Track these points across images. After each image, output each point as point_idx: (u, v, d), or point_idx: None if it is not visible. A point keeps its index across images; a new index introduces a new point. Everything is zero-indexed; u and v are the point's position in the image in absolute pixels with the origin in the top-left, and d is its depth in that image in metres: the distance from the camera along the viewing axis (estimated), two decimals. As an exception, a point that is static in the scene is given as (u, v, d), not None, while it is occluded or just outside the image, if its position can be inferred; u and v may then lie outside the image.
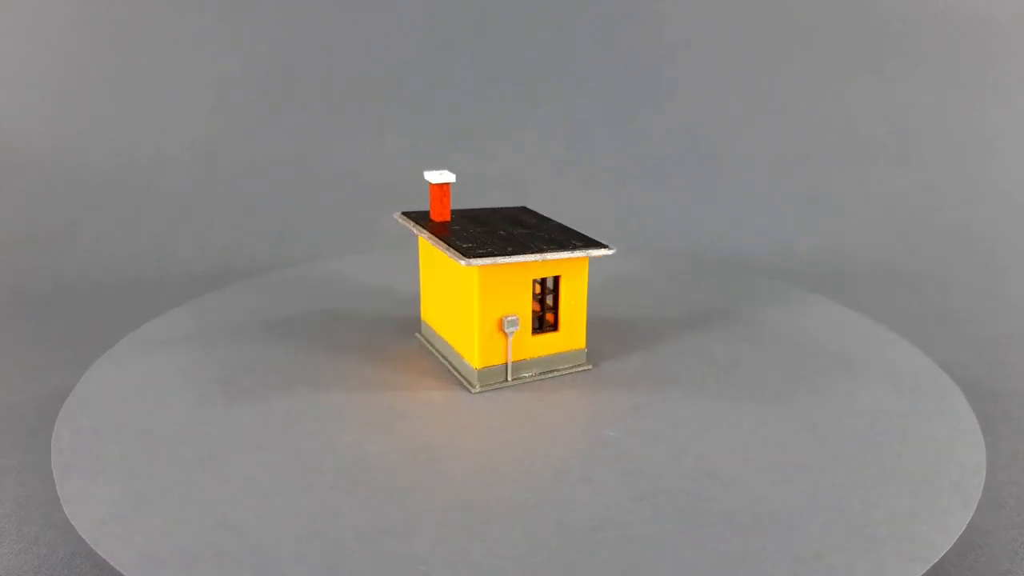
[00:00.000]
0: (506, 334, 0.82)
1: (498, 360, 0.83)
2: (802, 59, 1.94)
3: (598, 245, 0.85)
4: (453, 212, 0.93)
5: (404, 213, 0.93)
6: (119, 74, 1.91)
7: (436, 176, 0.88)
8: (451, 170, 0.90)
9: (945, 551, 0.61)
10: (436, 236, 0.85)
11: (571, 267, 0.84)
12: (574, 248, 0.83)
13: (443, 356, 0.90)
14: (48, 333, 1.41)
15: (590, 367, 0.88)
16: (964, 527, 0.64)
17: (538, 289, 0.86)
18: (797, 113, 1.94)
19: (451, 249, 0.80)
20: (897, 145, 1.92)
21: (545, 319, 0.86)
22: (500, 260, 0.79)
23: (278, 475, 0.69)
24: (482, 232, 0.86)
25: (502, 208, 0.98)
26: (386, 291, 1.10)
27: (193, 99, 1.92)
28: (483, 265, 0.79)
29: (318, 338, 0.96)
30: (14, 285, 1.59)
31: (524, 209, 0.98)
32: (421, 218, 0.92)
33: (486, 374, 0.83)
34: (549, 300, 0.86)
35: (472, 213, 0.95)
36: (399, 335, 0.97)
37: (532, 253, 0.80)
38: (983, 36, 1.92)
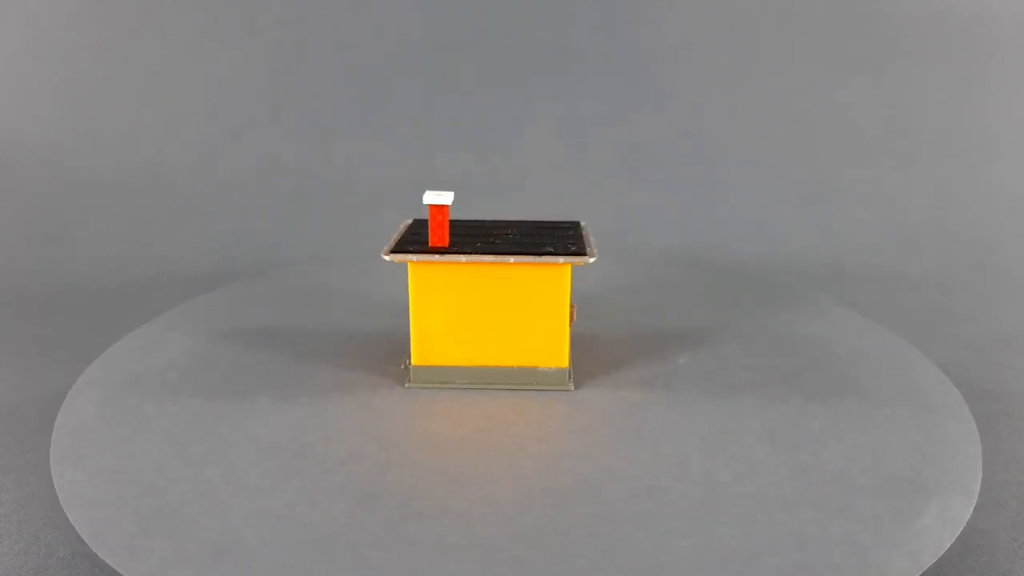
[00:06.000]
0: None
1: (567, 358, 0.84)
2: (802, 59, 1.94)
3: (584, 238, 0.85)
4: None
5: (393, 250, 0.81)
6: (119, 74, 1.91)
7: (435, 197, 0.80)
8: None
9: (945, 551, 0.61)
10: (481, 253, 0.80)
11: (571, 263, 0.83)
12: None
13: (488, 383, 0.85)
14: (48, 333, 1.41)
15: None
16: (964, 527, 0.64)
17: None
18: (797, 113, 1.94)
19: (532, 256, 0.80)
20: (898, 145, 1.92)
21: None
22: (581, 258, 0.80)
23: (279, 477, 0.69)
24: (523, 236, 0.86)
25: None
26: (389, 295, 1.10)
27: (193, 99, 1.92)
28: (571, 265, 0.80)
29: (319, 339, 0.96)
30: (14, 285, 1.59)
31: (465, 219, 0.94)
32: (416, 244, 0.84)
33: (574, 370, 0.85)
34: None
35: (459, 224, 0.90)
36: (401, 338, 0.97)
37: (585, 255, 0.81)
38: (984, 36, 1.92)
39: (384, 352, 0.92)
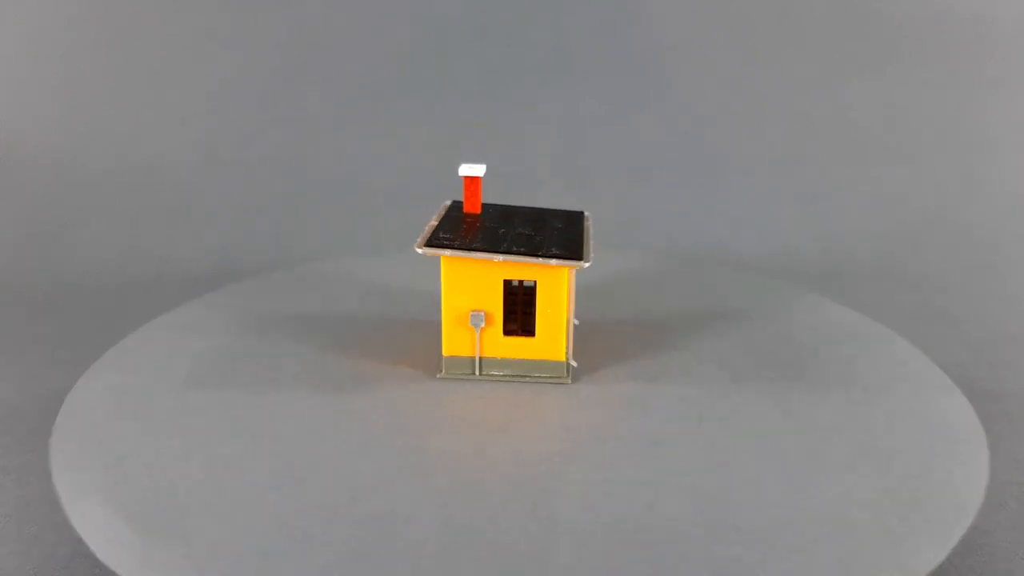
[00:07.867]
0: (473, 328, 0.84)
1: (466, 352, 0.85)
2: (802, 59, 1.94)
3: (573, 258, 0.82)
4: (501, 207, 0.95)
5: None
6: (118, 74, 1.91)
7: (468, 169, 0.90)
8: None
9: (946, 552, 0.61)
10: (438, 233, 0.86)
11: (548, 275, 0.83)
12: (546, 256, 0.82)
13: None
14: (48, 333, 1.41)
15: (568, 382, 0.85)
16: (966, 528, 0.64)
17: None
18: (797, 113, 1.94)
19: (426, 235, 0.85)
20: (897, 145, 1.92)
21: (515, 322, 0.85)
22: (457, 254, 0.82)
23: (278, 474, 0.69)
24: (483, 228, 0.87)
25: (553, 209, 0.97)
26: (385, 290, 1.10)
27: (193, 98, 1.92)
28: (441, 256, 0.82)
29: (317, 338, 0.96)
30: (14, 285, 1.59)
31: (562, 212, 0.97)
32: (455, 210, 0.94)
33: (452, 363, 0.86)
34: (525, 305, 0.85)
35: (515, 210, 0.95)
36: (397, 334, 0.97)
37: (495, 253, 0.82)
38: (984, 36, 1.92)
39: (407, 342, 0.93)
